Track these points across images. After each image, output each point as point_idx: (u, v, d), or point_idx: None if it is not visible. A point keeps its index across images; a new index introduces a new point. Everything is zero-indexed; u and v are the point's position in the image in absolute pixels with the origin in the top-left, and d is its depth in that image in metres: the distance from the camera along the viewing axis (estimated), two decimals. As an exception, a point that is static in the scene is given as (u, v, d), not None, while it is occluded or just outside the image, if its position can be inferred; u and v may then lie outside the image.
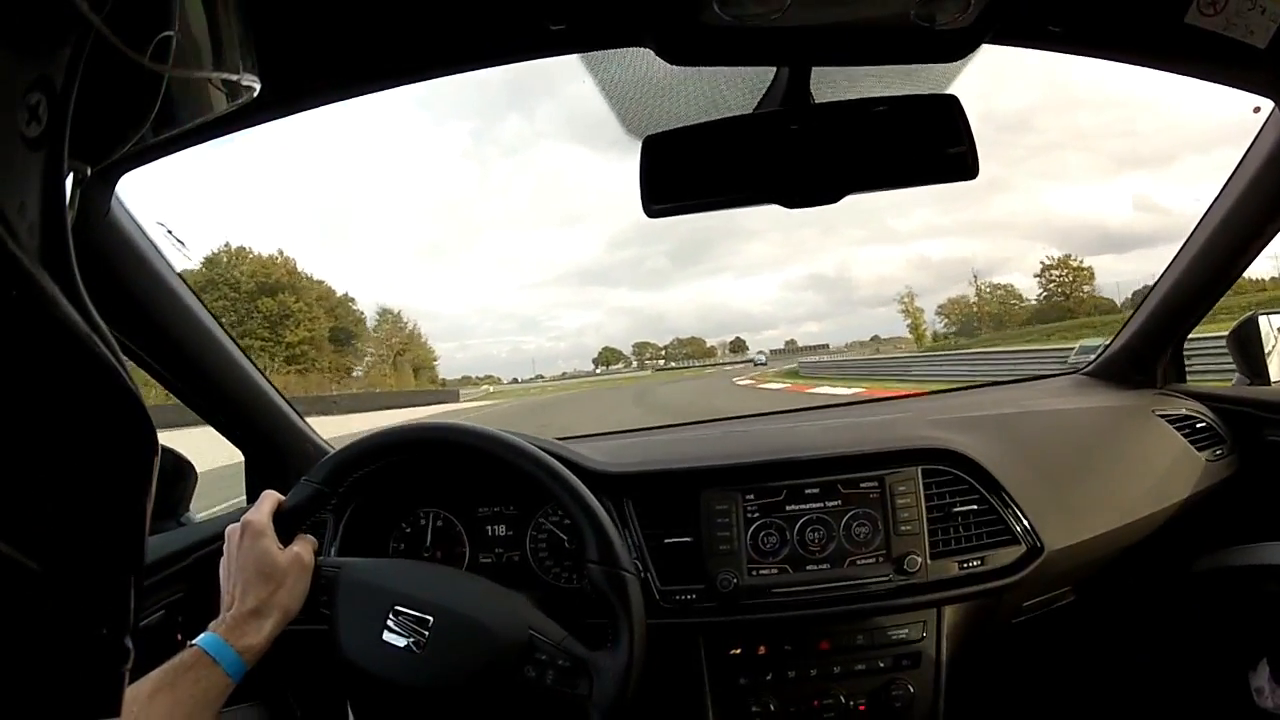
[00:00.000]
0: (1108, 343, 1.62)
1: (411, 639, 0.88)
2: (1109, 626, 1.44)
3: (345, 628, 0.89)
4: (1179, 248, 1.41)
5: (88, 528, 0.32)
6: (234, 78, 0.52)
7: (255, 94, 0.56)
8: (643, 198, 0.95)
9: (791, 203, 0.97)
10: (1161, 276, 1.46)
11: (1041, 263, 62.04)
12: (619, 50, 0.96)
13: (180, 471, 1.37)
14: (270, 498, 0.96)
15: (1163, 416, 1.40)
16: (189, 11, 0.45)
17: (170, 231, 1.18)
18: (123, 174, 1.00)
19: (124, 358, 0.33)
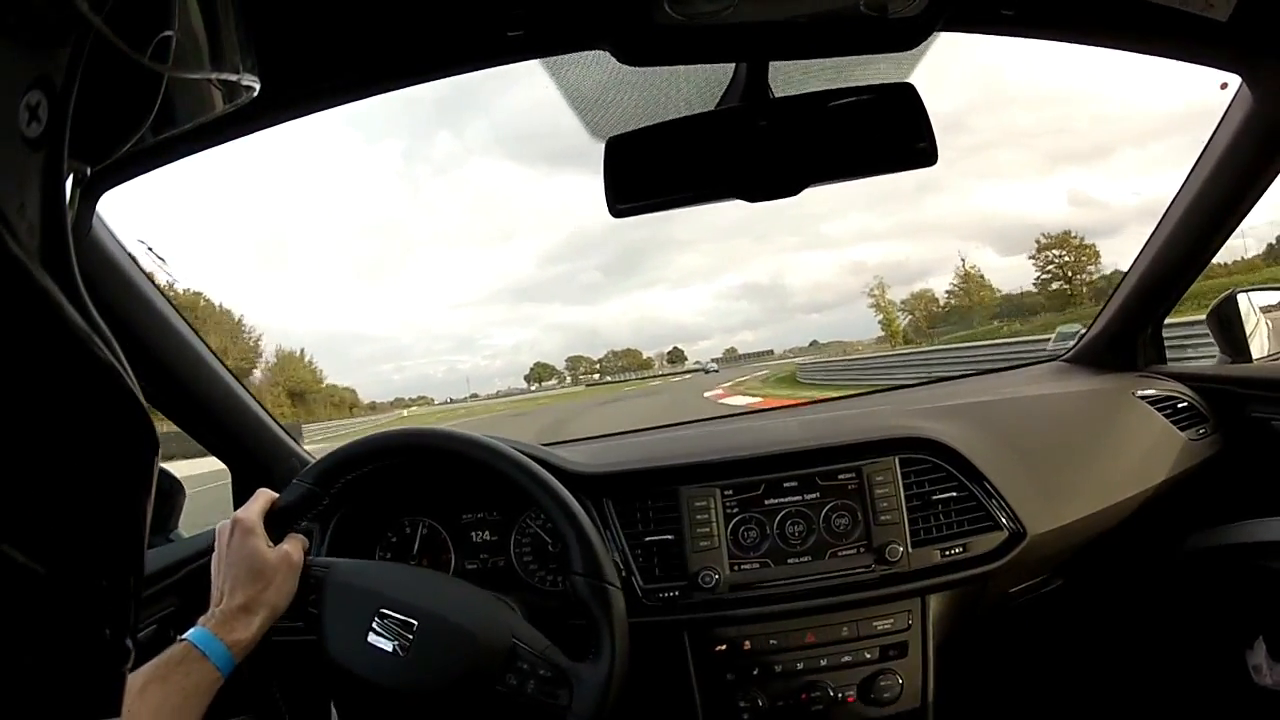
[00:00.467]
0: (1086, 328, 1.63)
1: (396, 642, 0.88)
2: (1098, 610, 1.44)
3: (331, 628, 0.90)
4: (1152, 229, 1.42)
5: (90, 528, 0.32)
6: (234, 78, 0.52)
7: (255, 94, 0.55)
8: (607, 198, 0.96)
9: (753, 196, 0.97)
10: (1137, 258, 1.46)
11: (1036, 241, 56.50)
12: (579, 54, 0.97)
13: (168, 489, 1.38)
14: (262, 496, 0.97)
15: (1143, 398, 1.40)
16: (189, 11, 0.45)
17: (151, 249, 1.19)
18: (104, 191, 1.01)
19: (124, 360, 0.33)
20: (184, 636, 0.85)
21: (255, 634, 0.87)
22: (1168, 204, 1.37)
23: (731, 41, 0.91)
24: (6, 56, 0.31)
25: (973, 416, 1.31)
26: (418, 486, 1.28)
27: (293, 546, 0.94)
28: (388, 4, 0.83)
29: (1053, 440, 1.31)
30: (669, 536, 1.17)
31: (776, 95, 0.99)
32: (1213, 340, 1.53)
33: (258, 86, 0.55)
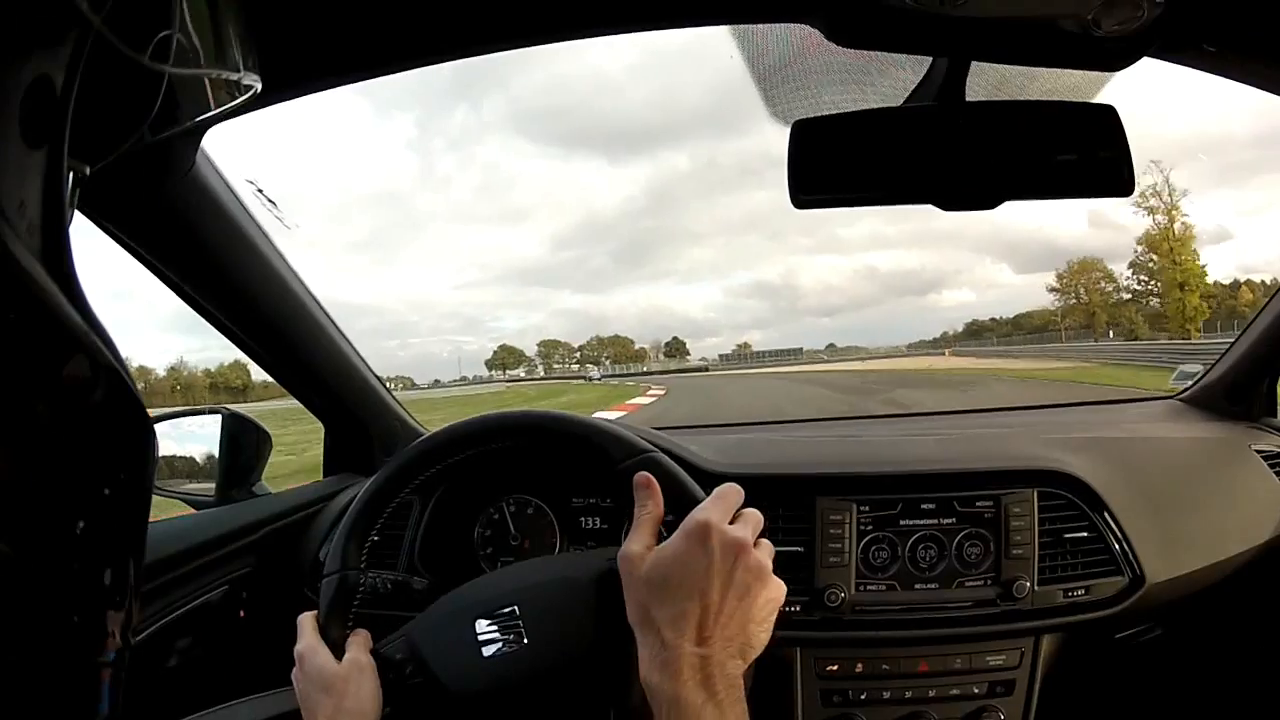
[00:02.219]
0: (1205, 370, 1.59)
1: (509, 636, 0.81)
2: (1195, 662, 1.40)
3: (443, 672, 0.81)
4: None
5: (85, 526, 0.32)
6: (234, 76, 0.52)
7: (256, 92, 0.56)
8: (790, 186, 0.90)
9: (949, 205, 0.92)
10: (1265, 308, 1.42)
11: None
12: (775, 26, 0.91)
13: (253, 439, 1.33)
14: (305, 620, 0.87)
15: (1258, 452, 1.36)
16: (189, 10, 0.44)
17: (261, 190, 1.13)
18: (209, 126, 0.94)
19: (123, 358, 0.34)
20: None
21: None
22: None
23: (947, 34, 0.85)
24: (7, 56, 0.31)
25: (1102, 452, 1.27)
26: (526, 464, 1.23)
27: (357, 650, 0.84)
28: None
29: (1172, 486, 1.28)
30: (799, 549, 1.12)
31: (970, 99, 0.95)
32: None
33: (259, 85, 0.55)
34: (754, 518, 0.74)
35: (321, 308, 1.22)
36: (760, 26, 0.93)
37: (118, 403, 0.33)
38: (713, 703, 0.63)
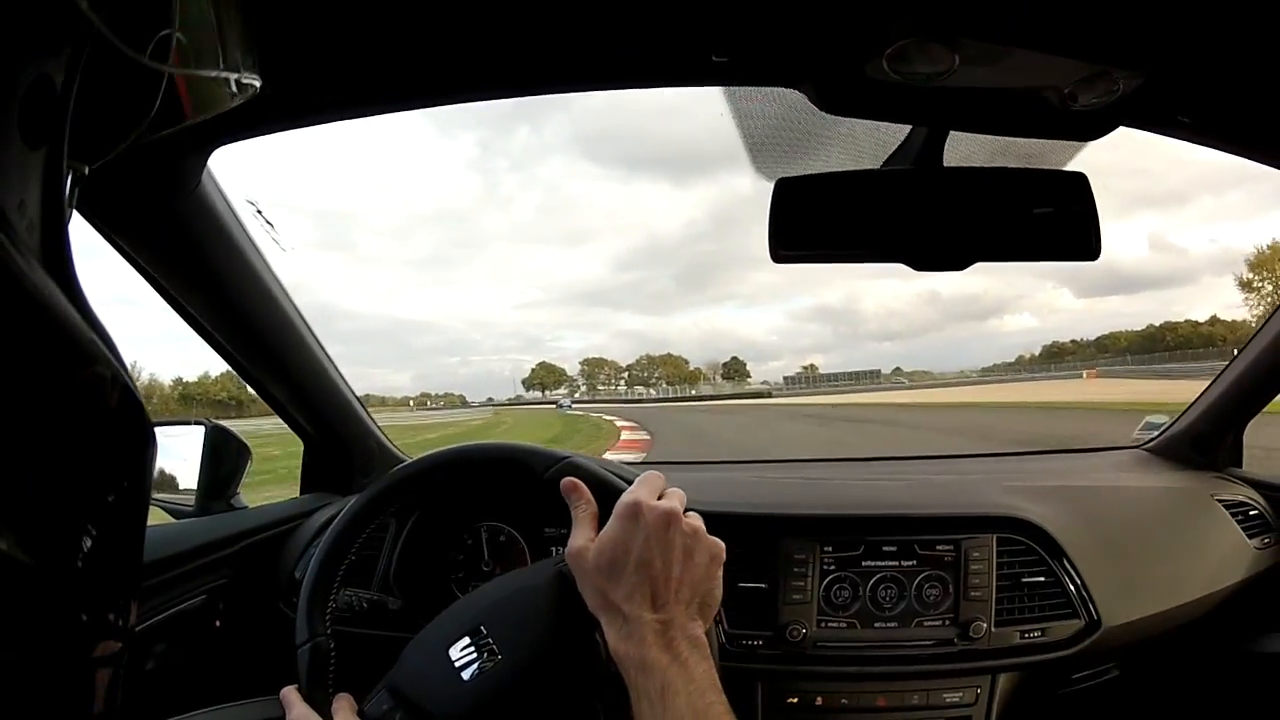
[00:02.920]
0: (1171, 421, 1.63)
1: (483, 655, 0.82)
2: (1149, 703, 1.44)
3: (433, 704, 0.83)
4: (1254, 333, 1.42)
5: (83, 525, 0.32)
6: (234, 75, 0.53)
7: (256, 90, 0.56)
8: (771, 242, 0.93)
9: (920, 265, 0.96)
10: (1233, 361, 1.46)
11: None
12: (767, 90, 0.95)
13: (233, 452, 1.35)
14: (289, 693, 0.88)
15: (1220, 501, 1.40)
16: (190, 9, 0.45)
17: (260, 212, 1.15)
18: (218, 146, 0.97)
19: (123, 358, 0.34)
20: None
21: None
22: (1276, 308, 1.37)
23: (929, 105, 0.89)
24: (7, 56, 0.31)
25: (1063, 500, 1.30)
26: (496, 493, 1.26)
27: (344, 714, 0.84)
28: (599, 10, 0.81)
29: (1133, 533, 1.31)
30: (762, 585, 1.16)
31: (947, 164, 0.98)
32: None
33: (259, 84, 0.55)
34: (678, 494, 0.79)
35: (309, 329, 1.24)
36: (750, 89, 0.96)
37: (116, 402, 0.33)
38: (677, 663, 0.67)
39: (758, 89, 0.95)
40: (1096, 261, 0.98)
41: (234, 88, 0.53)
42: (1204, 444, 1.53)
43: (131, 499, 0.35)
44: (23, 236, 0.31)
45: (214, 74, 0.50)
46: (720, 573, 0.77)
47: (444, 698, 0.82)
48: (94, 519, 0.33)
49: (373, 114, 0.95)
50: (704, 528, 0.76)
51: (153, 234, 0.99)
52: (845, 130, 1.00)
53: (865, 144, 1.01)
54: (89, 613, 0.33)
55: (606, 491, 0.83)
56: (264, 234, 1.14)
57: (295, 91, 0.87)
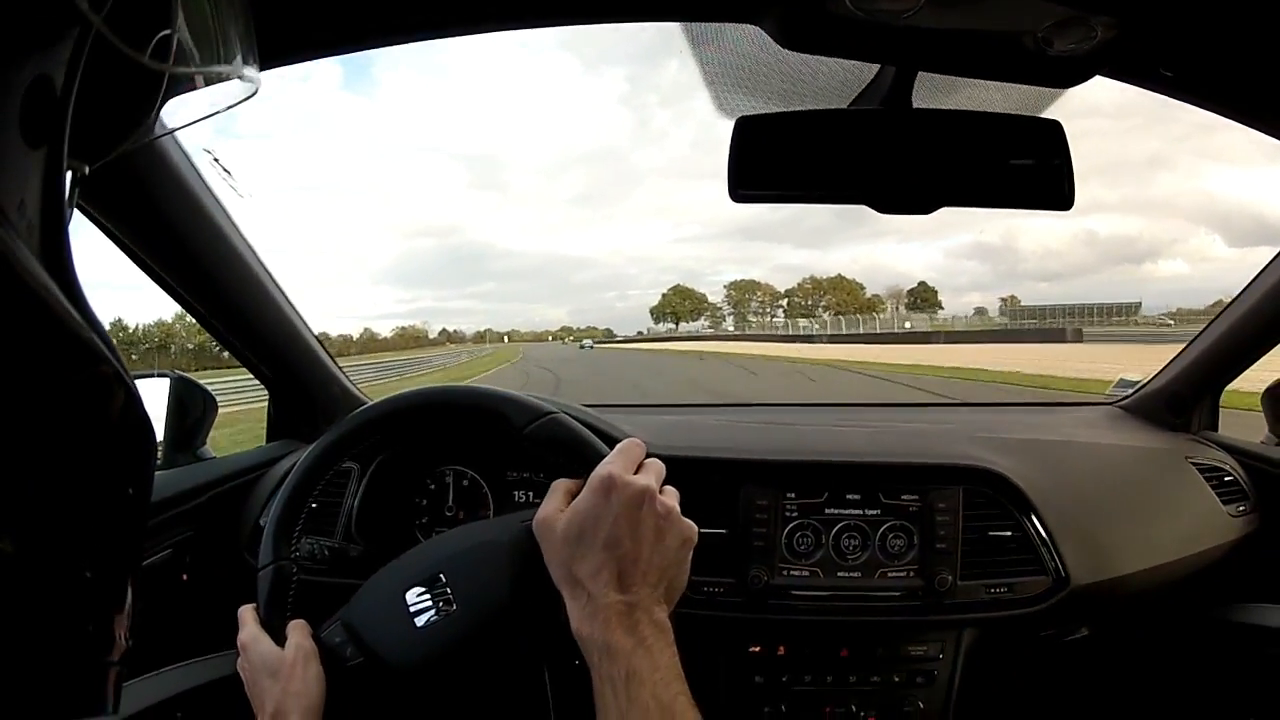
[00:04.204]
0: (1146, 379, 1.62)
1: (439, 603, 0.83)
2: (1117, 664, 1.45)
3: (381, 647, 0.83)
4: (1236, 295, 1.40)
5: (82, 524, 0.32)
6: (235, 74, 0.52)
7: (258, 90, 0.55)
8: (729, 180, 0.92)
9: (884, 207, 0.94)
10: (1213, 322, 1.45)
11: None
12: (724, 25, 0.92)
13: (199, 403, 1.35)
14: (246, 611, 0.88)
15: (1194, 464, 1.39)
16: (190, 8, 0.44)
17: (217, 160, 1.14)
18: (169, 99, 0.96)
19: (122, 357, 0.34)
20: None
21: None
22: (1255, 273, 1.36)
23: (895, 44, 0.87)
24: (6, 56, 0.31)
25: (1034, 454, 1.30)
26: (460, 436, 1.25)
27: (299, 636, 0.85)
28: None
29: (1105, 493, 1.31)
30: (722, 531, 1.15)
31: (916, 106, 0.96)
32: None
33: (259, 84, 0.54)
34: (656, 467, 0.77)
35: (271, 276, 1.23)
36: (711, 25, 0.93)
37: (116, 402, 0.33)
38: (642, 647, 0.67)
39: (718, 25, 0.92)
40: (1249, 209, 0.95)
41: (235, 89, 0.53)
42: (1179, 405, 1.52)
43: (135, 504, 0.35)
44: (23, 236, 0.32)
45: (214, 74, 0.50)
46: (690, 556, 0.76)
47: (394, 641, 0.82)
48: (99, 522, 0.33)
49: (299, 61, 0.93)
50: (678, 509, 0.75)
51: (106, 183, 0.98)
52: (811, 68, 0.98)
53: (833, 83, 0.99)
54: (97, 618, 0.33)
55: (585, 457, 0.81)
56: (222, 182, 1.13)
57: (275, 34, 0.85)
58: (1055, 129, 0.93)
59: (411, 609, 0.83)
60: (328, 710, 0.80)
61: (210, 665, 1.11)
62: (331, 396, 1.40)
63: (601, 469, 0.73)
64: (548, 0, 0.88)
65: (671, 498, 0.75)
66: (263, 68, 0.92)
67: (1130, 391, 1.64)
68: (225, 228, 1.13)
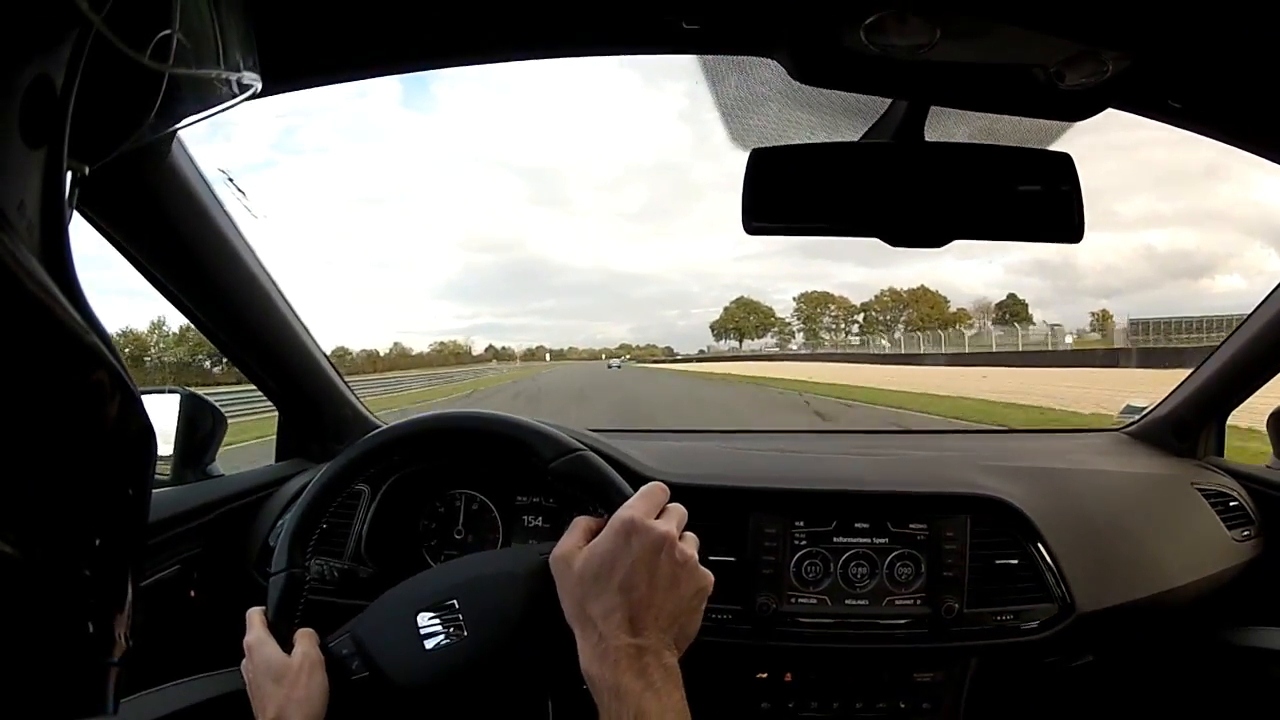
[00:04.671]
0: (1152, 406, 1.62)
1: (449, 629, 0.83)
2: (1123, 690, 1.45)
3: (388, 665, 0.84)
4: (1242, 321, 1.41)
5: (82, 524, 0.32)
6: (234, 75, 0.53)
7: (257, 90, 0.56)
8: (744, 211, 0.92)
9: (896, 240, 0.94)
10: (1219, 348, 1.45)
11: None
12: (740, 58, 0.93)
13: (208, 420, 1.35)
14: (254, 614, 0.89)
15: (1200, 490, 1.40)
16: (189, 9, 0.45)
17: (231, 180, 1.14)
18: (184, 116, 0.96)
19: (122, 358, 0.34)
20: None
21: None
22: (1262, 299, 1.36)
23: (909, 78, 0.87)
24: (6, 56, 0.31)
25: (1040, 482, 1.30)
26: (471, 460, 1.26)
27: (306, 645, 0.86)
28: None
29: (1111, 520, 1.31)
30: (731, 559, 1.16)
31: (929, 139, 0.97)
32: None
33: (259, 84, 0.55)
34: (678, 513, 0.78)
35: (284, 296, 1.23)
36: (727, 57, 0.94)
37: (116, 402, 0.33)
38: (650, 690, 0.67)
39: (734, 58, 0.93)
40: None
41: (235, 88, 0.53)
42: (1185, 430, 1.52)
43: (136, 505, 0.35)
44: (23, 237, 0.31)
45: (213, 75, 0.50)
46: (704, 605, 0.76)
47: (401, 660, 0.83)
48: (99, 522, 0.33)
49: (315, 85, 0.94)
50: (696, 557, 0.75)
51: (123, 203, 0.98)
52: (825, 101, 0.99)
53: (846, 116, 1.00)
54: (99, 619, 0.33)
55: (608, 497, 0.82)
56: (236, 203, 1.14)
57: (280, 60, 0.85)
58: (1065, 161, 0.94)
59: (422, 630, 0.83)
60: None
61: (216, 681, 1.11)
62: (343, 418, 1.41)
63: (624, 511, 0.74)
64: (564, 31, 0.89)
65: (691, 545, 0.75)
66: (267, 92, 0.93)
67: (1136, 418, 1.64)
68: (239, 247, 1.14)
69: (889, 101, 0.96)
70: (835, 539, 1.16)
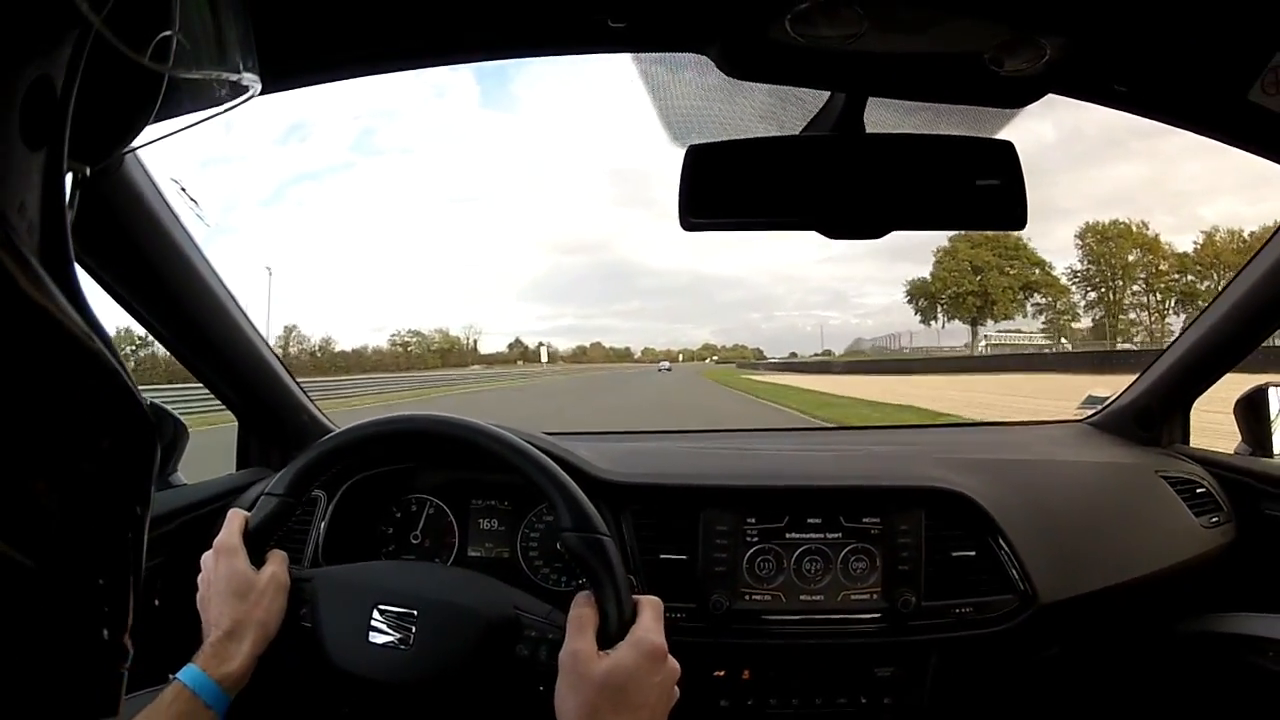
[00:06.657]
0: (1115, 396, 1.62)
1: (398, 635, 0.84)
2: (1090, 681, 1.44)
3: (330, 634, 0.85)
4: (1204, 308, 1.41)
5: (87, 528, 0.32)
6: (234, 77, 0.52)
7: (257, 93, 0.55)
8: (680, 209, 0.91)
9: (835, 232, 0.94)
10: (1180, 336, 1.45)
11: None
12: (673, 55, 0.93)
13: (170, 429, 1.34)
14: (237, 516, 0.91)
15: (1165, 478, 1.39)
16: (190, 10, 0.44)
17: (184, 189, 1.14)
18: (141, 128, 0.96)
19: (123, 359, 0.33)
20: (175, 675, 0.80)
21: (247, 663, 0.82)
22: (1221, 287, 1.36)
23: (842, 70, 0.87)
24: (7, 57, 0.31)
25: (1001, 474, 1.30)
26: (428, 465, 1.25)
27: (277, 565, 0.89)
28: None
29: (1073, 510, 1.30)
30: (683, 557, 1.15)
31: (869, 130, 0.96)
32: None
33: (259, 86, 0.54)
34: (654, 607, 0.84)
35: (238, 305, 1.23)
36: (663, 55, 0.94)
37: (117, 403, 0.33)
38: None
39: (667, 55, 0.93)
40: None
41: (234, 90, 0.53)
42: (1149, 419, 1.52)
43: (132, 498, 0.35)
44: (23, 238, 0.31)
45: (213, 76, 0.50)
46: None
47: (343, 641, 0.85)
48: (100, 523, 0.33)
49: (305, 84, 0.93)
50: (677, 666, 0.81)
51: (77, 214, 0.97)
52: (764, 95, 0.98)
53: (786, 110, 0.99)
54: (109, 627, 0.33)
55: (614, 596, 0.82)
56: (189, 212, 1.13)
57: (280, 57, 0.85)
58: (1008, 149, 0.93)
59: (373, 624, 0.85)
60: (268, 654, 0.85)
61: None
62: (300, 424, 1.40)
63: (655, 638, 0.79)
64: (492, 35, 0.89)
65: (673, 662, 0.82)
66: (268, 90, 0.93)
67: (1099, 408, 1.64)
68: (192, 256, 1.13)
69: (828, 94, 0.96)
70: (788, 535, 1.16)
